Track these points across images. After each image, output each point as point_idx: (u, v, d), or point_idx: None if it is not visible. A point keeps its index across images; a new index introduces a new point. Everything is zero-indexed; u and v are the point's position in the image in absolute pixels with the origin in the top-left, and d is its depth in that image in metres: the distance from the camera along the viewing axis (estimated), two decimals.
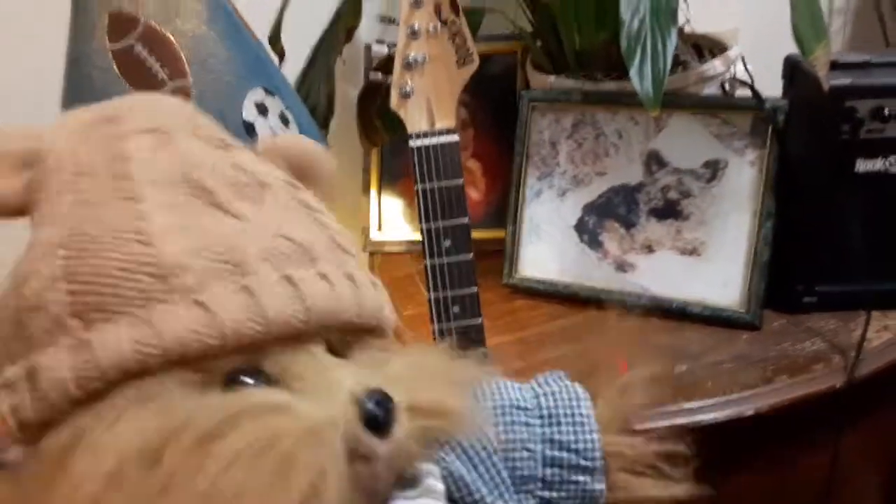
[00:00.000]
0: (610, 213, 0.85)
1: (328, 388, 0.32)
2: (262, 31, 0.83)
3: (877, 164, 0.76)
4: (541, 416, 0.48)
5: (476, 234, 0.67)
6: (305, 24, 0.91)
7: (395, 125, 0.69)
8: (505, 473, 0.46)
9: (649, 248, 0.84)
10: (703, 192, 0.82)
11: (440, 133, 0.65)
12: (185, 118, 0.38)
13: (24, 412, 0.31)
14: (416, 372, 0.36)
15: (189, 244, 0.32)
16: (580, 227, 0.86)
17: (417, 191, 0.65)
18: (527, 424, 0.47)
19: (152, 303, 0.31)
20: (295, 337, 0.33)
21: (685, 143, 0.82)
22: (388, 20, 0.67)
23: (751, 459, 0.75)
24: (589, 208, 0.86)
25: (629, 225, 0.84)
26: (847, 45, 1.21)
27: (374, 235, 1.02)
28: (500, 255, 0.89)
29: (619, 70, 0.82)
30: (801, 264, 0.80)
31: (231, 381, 0.32)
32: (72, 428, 0.31)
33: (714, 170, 0.81)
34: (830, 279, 0.79)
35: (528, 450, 0.46)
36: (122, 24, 0.62)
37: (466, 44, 0.64)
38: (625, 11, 0.67)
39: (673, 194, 0.83)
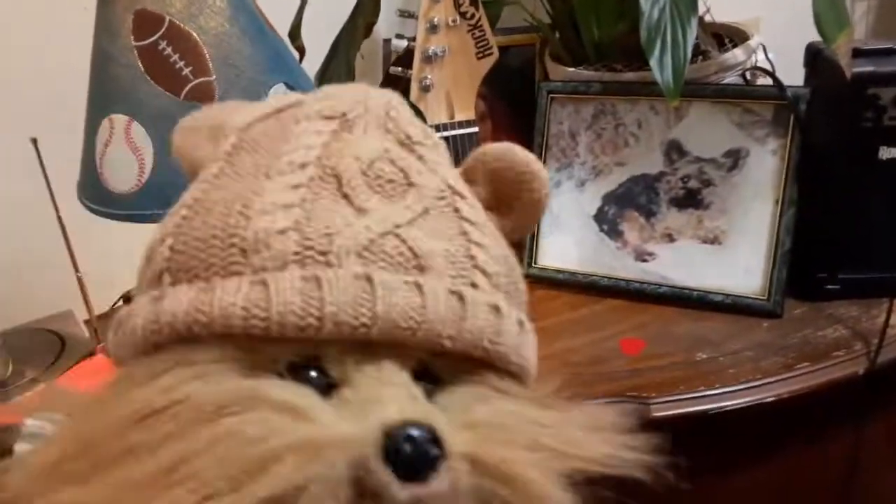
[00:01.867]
0: (630, 203, 0.85)
1: (365, 406, 0.29)
2: (282, 28, 0.84)
3: None
4: None
5: None
6: (325, 20, 0.92)
7: None
8: None
9: (670, 238, 0.84)
10: (724, 181, 0.81)
11: (460, 125, 0.65)
12: (379, 108, 0.36)
13: (113, 349, 0.34)
14: (508, 422, 0.31)
15: (284, 223, 0.31)
16: (600, 217, 0.87)
17: None
18: None
19: (229, 274, 0.31)
20: (368, 345, 0.30)
21: (706, 132, 0.81)
22: (406, 14, 0.68)
23: (772, 446, 0.76)
24: (609, 198, 0.86)
25: (649, 214, 0.85)
26: (870, 33, 1.20)
27: None
28: (520, 245, 0.89)
29: (639, 60, 0.82)
30: (823, 252, 0.79)
31: (288, 371, 0.31)
32: (126, 373, 0.32)
33: (735, 159, 0.81)
34: (853, 266, 0.78)
35: None
36: (147, 23, 0.63)
37: (486, 36, 0.64)
38: (644, 2, 0.68)
39: (693, 183, 0.83)
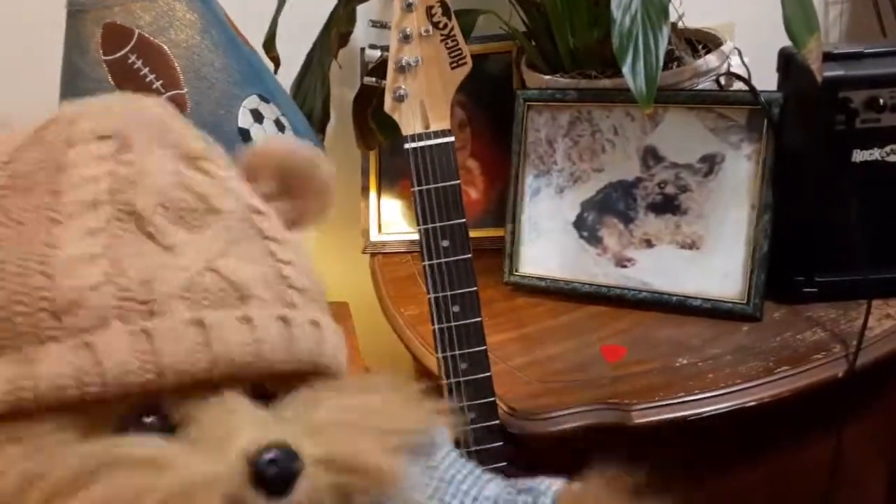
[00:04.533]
0: (608, 209, 0.85)
1: (221, 441, 0.30)
2: (256, 39, 0.84)
3: (873, 154, 0.76)
4: None
5: (475, 233, 0.67)
6: (299, 30, 0.92)
7: (391, 128, 0.70)
8: None
9: (648, 243, 0.84)
10: (701, 187, 0.82)
11: (435, 135, 0.65)
12: (154, 122, 0.35)
13: None
14: (345, 419, 0.34)
15: (94, 278, 0.30)
16: (579, 224, 0.87)
17: (414, 192, 0.65)
18: None
19: (43, 341, 0.29)
20: (204, 382, 0.31)
21: (681, 138, 0.82)
22: (379, 25, 0.67)
23: (754, 450, 0.76)
24: (587, 205, 0.86)
25: (628, 220, 0.85)
26: (844, 36, 1.21)
27: (374, 236, 1.02)
28: (500, 253, 0.89)
29: (614, 67, 0.82)
30: (800, 255, 0.80)
31: (125, 423, 0.30)
32: None
33: (711, 164, 0.81)
34: (830, 269, 0.79)
35: None
36: (116, 36, 0.62)
37: (459, 46, 0.64)
38: (616, 10, 0.68)
39: (670, 189, 0.83)
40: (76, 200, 0.31)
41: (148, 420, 0.31)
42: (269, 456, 0.29)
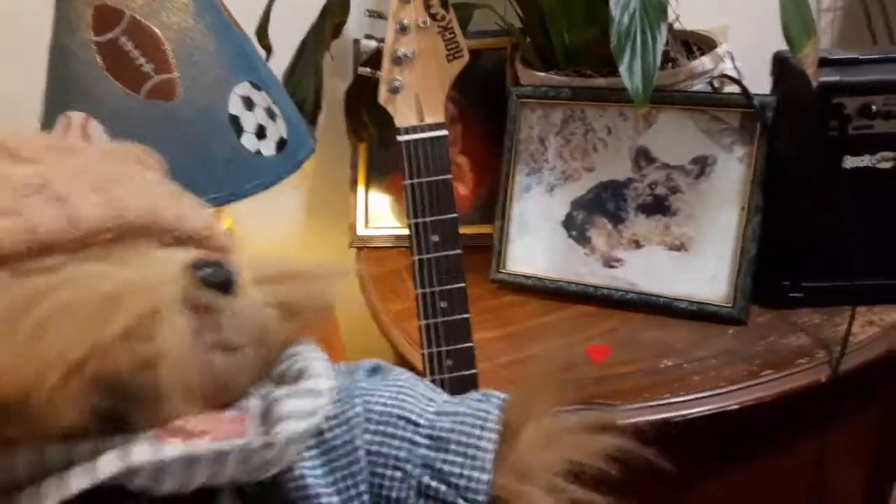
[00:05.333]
0: (598, 209, 0.85)
1: (158, 262, 0.34)
2: (249, 26, 0.82)
3: (864, 161, 0.76)
4: (430, 437, 0.40)
5: (464, 230, 0.66)
6: (293, 18, 0.91)
7: (383, 120, 0.69)
8: (364, 487, 0.39)
9: (637, 244, 0.84)
10: (692, 188, 0.82)
11: (429, 128, 0.64)
12: None
13: None
14: (263, 257, 0.38)
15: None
16: (568, 223, 0.86)
17: (406, 186, 0.64)
18: (411, 442, 0.40)
19: None
20: (119, 237, 0.34)
21: (674, 139, 0.82)
22: (376, 15, 0.67)
23: (736, 454, 0.76)
24: (577, 204, 0.86)
25: (617, 221, 0.85)
26: (835, 43, 1.21)
27: (361, 231, 1.02)
28: (488, 250, 0.89)
29: (609, 66, 0.82)
30: (787, 260, 0.80)
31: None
32: None
33: (702, 166, 0.81)
34: (816, 275, 0.79)
35: (402, 470, 0.39)
36: (107, 17, 0.61)
37: (456, 38, 0.64)
38: (615, 8, 0.67)
39: (661, 190, 0.83)
40: None
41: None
42: (210, 266, 0.34)
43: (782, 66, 0.80)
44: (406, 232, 0.66)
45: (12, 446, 0.30)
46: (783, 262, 0.80)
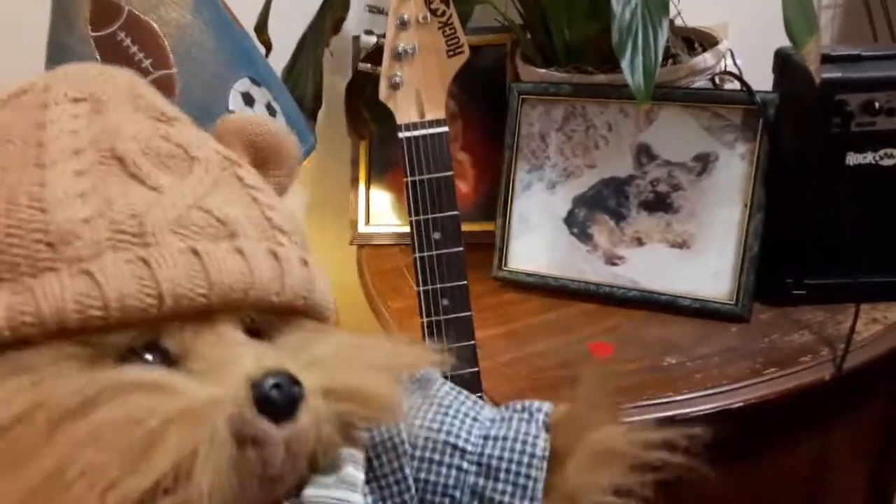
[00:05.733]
0: (600, 206, 0.85)
1: (224, 368, 0.31)
2: (248, 22, 0.82)
3: (867, 158, 0.76)
4: (479, 464, 0.40)
5: (465, 227, 0.66)
6: (292, 14, 0.90)
7: (384, 117, 0.68)
8: None
9: (639, 241, 0.84)
10: (694, 186, 0.81)
11: (430, 124, 0.64)
12: (125, 88, 0.36)
13: None
14: (342, 354, 0.35)
15: (86, 212, 0.30)
16: (570, 220, 0.86)
17: (407, 183, 0.64)
18: (458, 469, 0.40)
19: (40, 271, 0.30)
20: (202, 314, 0.31)
21: (675, 136, 0.81)
22: (376, 10, 0.66)
23: (739, 451, 0.76)
24: (579, 201, 0.86)
25: (619, 218, 0.84)
26: (835, 40, 1.21)
27: (362, 228, 1.01)
28: (489, 247, 0.89)
29: (610, 62, 0.81)
30: (790, 257, 0.80)
31: (125, 358, 0.31)
32: None
33: (704, 163, 0.81)
34: (820, 272, 0.79)
35: (451, 497, 0.40)
36: (105, 12, 0.61)
37: (456, 34, 0.63)
38: (616, 3, 0.67)
39: (663, 187, 0.82)
40: (59, 149, 0.32)
41: (146, 355, 0.31)
42: (272, 380, 0.30)
43: (784, 63, 0.79)
44: (407, 229, 0.65)
45: None
46: (786, 260, 0.80)
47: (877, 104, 0.73)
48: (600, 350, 0.78)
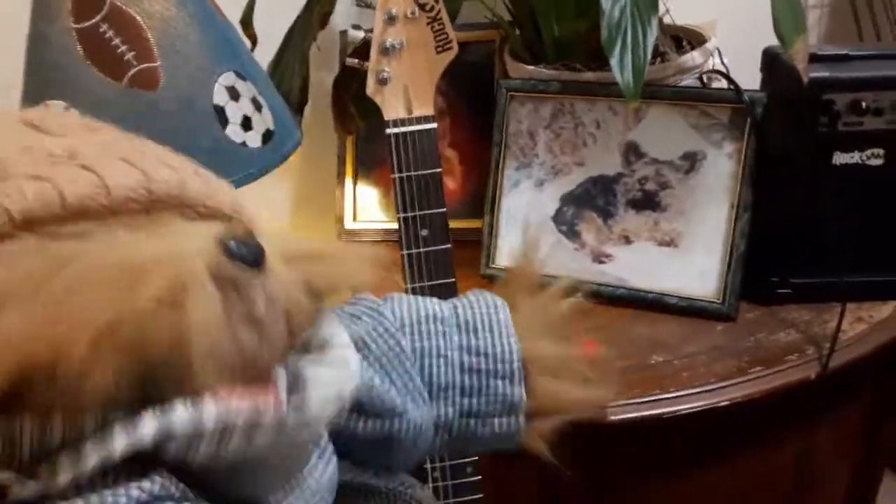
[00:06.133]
0: (588, 204, 0.85)
1: (187, 234, 0.33)
2: (234, 15, 0.81)
3: (854, 157, 0.76)
4: (457, 325, 0.47)
5: (452, 224, 0.66)
6: (279, 8, 0.89)
7: (371, 112, 0.68)
8: (419, 380, 0.45)
9: (627, 240, 0.83)
10: (681, 184, 0.81)
11: (418, 120, 0.63)
12: None
13: None
14: (292, 235, 0.38)
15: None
16: (558, 218, 0.86)
17: (395, 179, 0.63)
18: (443, 334, 0.46)
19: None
20: (147, 208, 0.33)
21: (664, 134, 0.81)
22: (363, 4, 0.65)
23: (725, 449, 0.76)
24: (567, 199, 0.85)
25: (607, 216, 0.84)
26: (822, 40, 1.22)
27: (349, 224, 1.00)
28: (477, 245, 0.88)
29: (599, 60, 0.81)
30: (776, 256, 0.80)
31: None
32: None
33: (692, 161, 0.81)
34: (806, 271, 0.79)
35: (444, 357, 0.46)
36: (88, 4, 0.59)
37: (445, 30, 0.63)
38: (605, 0, 0.67)
39: (651, 185, 0.82)
40: None
41: None
42: (236, 241, 0.33)
43: (772, 62, 0.79)
44: (395, 226, 0.65)
45: (45, 415, 0.29)
46: (772, 259, 0.80)
47: (864, 104, 0.73)
48: (588, 348, 0.78)
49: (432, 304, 0.48)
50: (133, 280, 0.29)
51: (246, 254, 0.33)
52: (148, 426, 0.30)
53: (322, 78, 0.97)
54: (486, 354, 0.46)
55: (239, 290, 0.32)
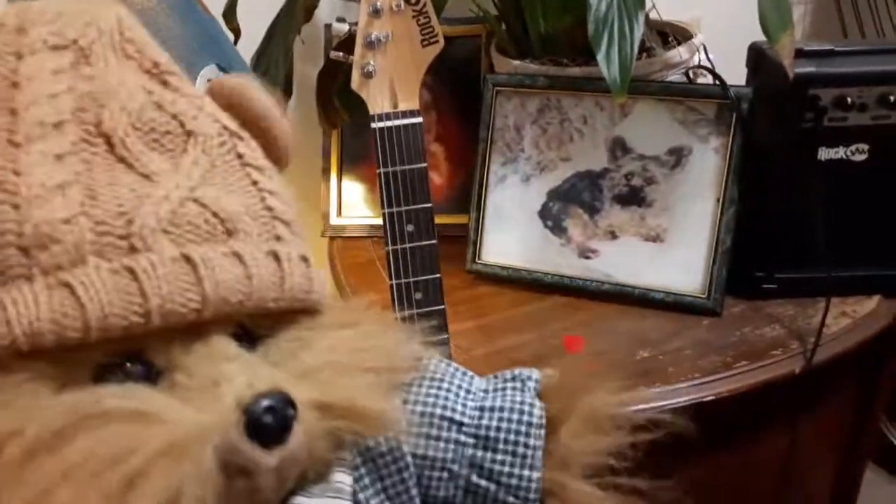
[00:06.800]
0: (574, 200, 0.84)
1: (214, 389, 0.28)
2: (216, 7, 0.80)
3: (839, 153, 0.76)
4: (476, 436, 0.40)
5: (438, 220, 0.65)
6: (262, 1, 0.88)
7: (356, 106, 0.67)
8: (415, 492, 0.39)
9: (613, 235, 0.83)
10: (667, 179, 0.81)
11: (403, 115, 0.63)
12: (113, 27, 0.32)
13: None
14: (336, 362, 0.32)
15: (67, 210, 0.27)
16: (544, 214, 0.85)
17: (380, 174, 0.63)
18: (456, 442, 0.39)
19: (11, 279, 0.26)
20: (192, 325, 0.29)
21: (650, 129, 0.81)
22: None
23: (710, 444, 0.76)
24: (553, 194, 0.85)
25: (593, 211, 0.84)
26: (806, 36, 1.22)
27: (334, 220, 1.00)
28: (463, 240, 0.88)
29: (585, 55, 0.81)
30: (761, 251, 0.80)
31: (105, 371, 0.28)
32: None
33: (678, 156, 0.81)
34: (790, 266, 0.79)
35: (449, 471, 0.39)
36: None
37: (431, 23, 0.62)
38: None
39: (637, 181, 0.82)
40: (37, 121, 0.28)
41: (130, 367, 0.28)
42: (264, 404, 0.28)
43: (758, 58, 0.79)
44: (380, 221, 0.64)
45: None
46: (757, 254, 0.80)
47: (849, 99, 0.74)
48: (574, 343, 0.78)
49: (455, 397, 0.40)
50: (128, 482, 0.25)
51: (272, 423, 0.28)
52: None
53: (306, 71, 0.96)
54: (498, 481, 0.39)
55: (248, 475, 0.28)
